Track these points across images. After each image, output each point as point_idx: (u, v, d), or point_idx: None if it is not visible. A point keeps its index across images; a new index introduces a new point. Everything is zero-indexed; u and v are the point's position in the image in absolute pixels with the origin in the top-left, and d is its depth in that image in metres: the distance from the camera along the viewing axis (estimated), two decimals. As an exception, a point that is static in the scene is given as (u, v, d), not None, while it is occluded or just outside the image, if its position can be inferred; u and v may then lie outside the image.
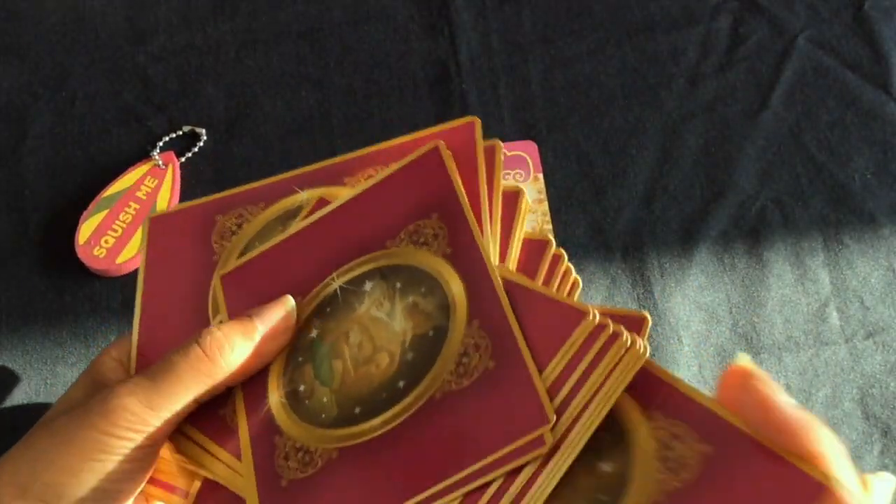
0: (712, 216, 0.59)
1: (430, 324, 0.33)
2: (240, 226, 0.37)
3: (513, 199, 0.35)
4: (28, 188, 0.60)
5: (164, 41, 0.65)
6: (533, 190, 0.60)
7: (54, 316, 0.57)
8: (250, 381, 0.35)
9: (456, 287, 0.34)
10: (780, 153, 0.61)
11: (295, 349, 0.35)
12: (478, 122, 0.36)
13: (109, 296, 0.57)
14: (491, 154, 0.36)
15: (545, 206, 0.59)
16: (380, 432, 0.32)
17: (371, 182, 0.37)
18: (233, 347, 0.34)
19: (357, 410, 0.32)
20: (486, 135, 0.62)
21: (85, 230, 0.57)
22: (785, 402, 0.28)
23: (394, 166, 0.37)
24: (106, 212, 0.58)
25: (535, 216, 0.59)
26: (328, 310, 0.35)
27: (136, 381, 0.33)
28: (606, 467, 0.29)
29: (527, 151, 0.61)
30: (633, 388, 0.30)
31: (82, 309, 0.56)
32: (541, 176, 0.60)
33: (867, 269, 0.57)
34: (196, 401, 0.34)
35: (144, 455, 0.33)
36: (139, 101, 0.63)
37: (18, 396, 0.54)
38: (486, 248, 0.34)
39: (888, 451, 0.52)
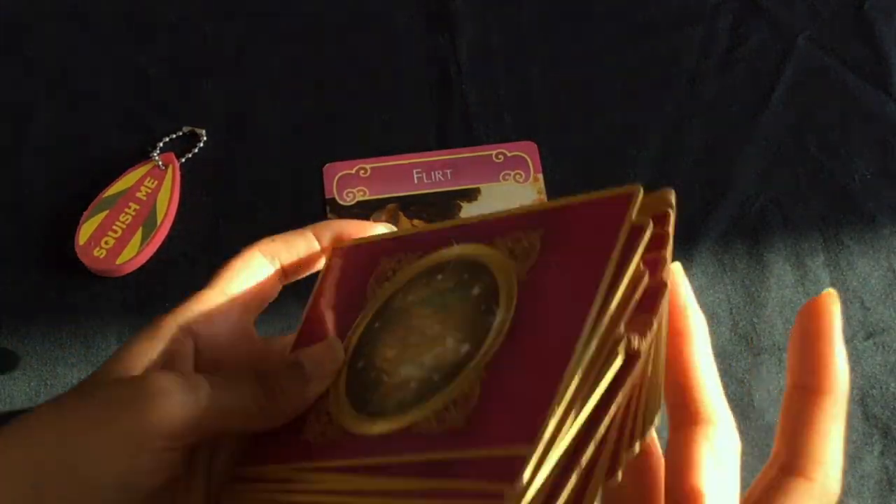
0: (712, 216, 0.59)
1: (451, 275, 0.33)
2: (394, 272, 0.36)
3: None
4: (28, 188, 0.60)
5: (164, 41, 0.65)
6: (533, 190, 0.60)
7: (54, 316, 0.57)
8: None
9: (450, 251, 0.34)
10: (780, 153, 0.61)
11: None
12: (637, 192, 0.30)
13: (109, 296, 0.57)
14: (636, 235, 0.31)
15: (545, 206, 0.59)
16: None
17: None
18: (284, 391, 0.34)
19: (466, 348, 0.31)
20: (487, 135, 0.62)
21: (85, 230, 0.57)
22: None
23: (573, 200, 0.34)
24: (106, 212, 0.58)
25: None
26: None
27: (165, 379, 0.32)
28: (476, 290, 0.32)
29: (527, 151, 0.61)
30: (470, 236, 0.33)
31: (82, 309, 0.56)
32: (541, 176, 0.60)
33: (867, 269, 0.57)
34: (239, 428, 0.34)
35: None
36: (139, 101, 0.63)
37: (18, 396, 0.54)
38: (433, 225, 0.35)
39: (888, 451, 0.52)
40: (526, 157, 0.61)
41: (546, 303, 0.29)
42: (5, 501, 0.30)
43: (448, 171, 0.60)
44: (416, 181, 0.60)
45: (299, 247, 0.39)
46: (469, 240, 0.34)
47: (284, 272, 0.39)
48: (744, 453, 0.54)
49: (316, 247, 0.39)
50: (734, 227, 0.58)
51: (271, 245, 0.38)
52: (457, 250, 0.34)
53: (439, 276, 0.34)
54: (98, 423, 0.31)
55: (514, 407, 0.28)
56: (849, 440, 0.52)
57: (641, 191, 0.29)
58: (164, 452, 0.31)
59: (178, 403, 0.32)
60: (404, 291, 0.35)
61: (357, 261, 0.39)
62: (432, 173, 0.60)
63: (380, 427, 0.31)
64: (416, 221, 0.59)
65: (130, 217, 0.58)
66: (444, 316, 0.32)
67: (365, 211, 0.59)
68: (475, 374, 0.29)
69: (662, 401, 0.28)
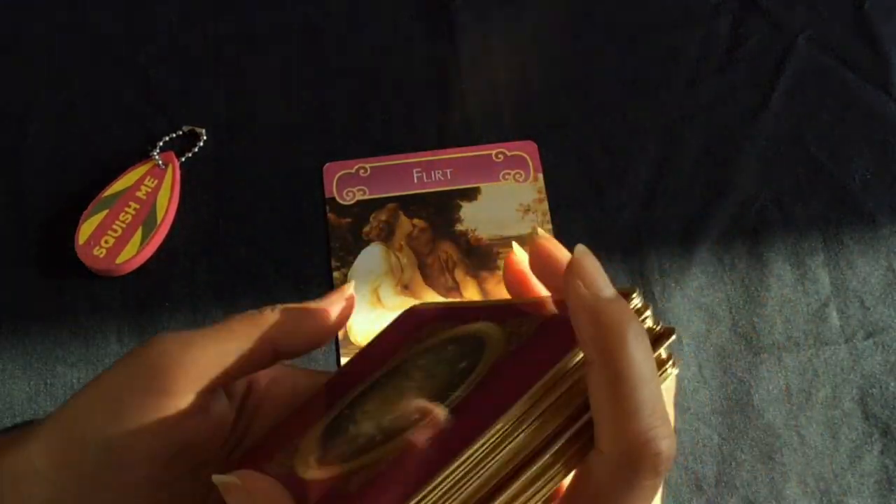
0: (712, 216, 0.59)
1: (460, 349, 0.33)
2: (427, 337, 0.36)
3: None
4: (28, 188, 0.60)
5: (164, 41, 0.65)
6: (533, 190, 0.60)
7: (54, 316, 0.57)
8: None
9: (476, 325, 0.33)
10: (780, 153, 0.61)
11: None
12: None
13: (109, 296, 0.57)
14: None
15: (545, 205, 0.59)
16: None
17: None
18: (287, 305, 0.35)
19: (416, 416, 0.30)
20: (487, 134, 0.62)
21: (85, 230, 0.57)
22: (561, 254, 0.32)
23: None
24: (106, 212, 0.58)
25: (534, 216, 0.59)
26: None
27: (160, 340, 0.33)
28: (462, 365, 0.31)
29: (527, 151, 0.61)
30: (485, 317, 0.33)
31: (82, 309, 0.56)
32: (541, 176, 0.60)
33: (867, 269, 0.57)
34: (242, 362, 0.33)
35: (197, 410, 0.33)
36: (139, 101, 0.63)
37: (18, 396, 0.54)
38: (490, 301, 0.34)
39: (888, 451, 0.52)
40: (526, 156, 0.61)
41: (486, 394, 0.29)
42: None
43: (448, 171, 0.60)
44: (416, 181, 0.60)
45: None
46: (493, 318, 0.33)
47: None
48: (743, 453, 0.54)
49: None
50: (734, 227, 0.58)
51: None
52: (475, 326, 0.34)
53: (450, 347, 0.33)
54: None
55: (385, 489, 0.27)
56: (849, 440, 0.53)
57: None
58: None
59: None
60: (418, 355, 0.35)
61: (414, 320, 0.38)
62: (432, 173, 0.60)
63: (313, 473, 0.31)
64: (416, 221, 0.59)
65: (130, 216, 0.58)
66: (426, 384, 0.32)
67: (365, 210, 0.59)
68: (398, 445, 0.29)
69: None
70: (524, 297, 0.34)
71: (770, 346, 0.55)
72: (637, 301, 0.28)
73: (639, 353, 0.26)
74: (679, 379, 0.54)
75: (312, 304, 0.35)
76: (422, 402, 0.30)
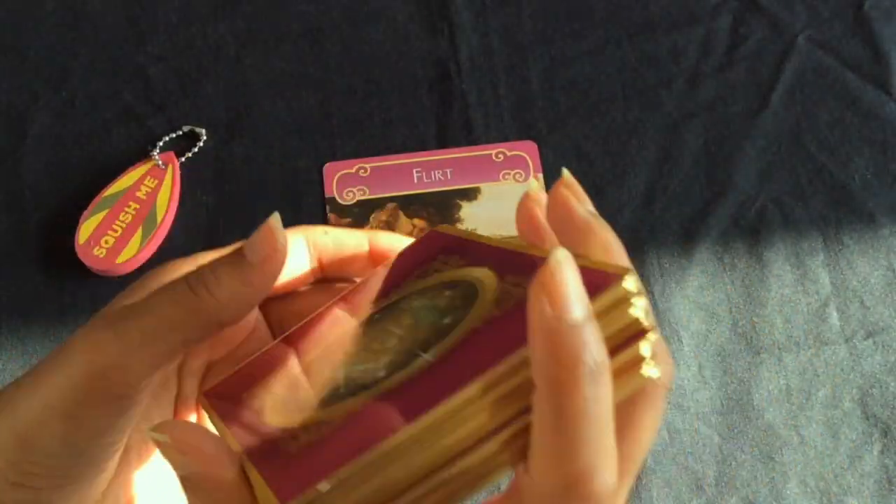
0: (712, 216, 0.59)
1: (453, 296, 0.30)
2: (436, 272, 0.33)
3: None
4: (28, 188, 0.60)
5: (164, 41, 0.65)
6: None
7: (54, 316, 0.57)
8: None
9: (478, 271, 0.30)
10: (780, 153, 0.61)
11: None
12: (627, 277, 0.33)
13: (109, 296, 0.57)
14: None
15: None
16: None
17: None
18: (219, 278, 0.31)
19: (382, 373, 0.28)
20: (487, 135, 0.62)
21: (85, 230, 0.57)
22: (582, 210, 0.28)
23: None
24: (106, 212, 0.58)
25: (535, 216, 0.59)
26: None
27: (98, 332, 0.30)
28: (447, 320, 0.28)
29: (527, 151, 0.61)
30: (490, 263, 0.30)
31: (82, 309, 0.56)
32: (541, 176, 0.60)
33: (867, 269, 0.57)
34: (185, 343, 0.31)
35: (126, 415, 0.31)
36: (139, 101, 0.63)
37: (18, 396, 0.54)
38: (504, 242, 0.31)
39: (888, 450, 0.52)
40: (526, 156, 0.61)
41: (451, 365, 0.26)
42: None
43: (448, 171, 0.60)
44: (415, 180, 0.60)
45: (348, 246, 0.36)
46: (499, 267, 0.30)
47: (322, 268, 0.36)
48: (743, 453, 0.54)
49: (364, 249, 0.36)
50: (734, 227, 0.58)
51: (322, 238, 0.36)
52: (476, 273, 0.30)
53: (446, 293, 0.30)
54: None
55: (320, 454, 0.25)
56: (849, 440, 0.53)
57: (632, 282, 0.25)
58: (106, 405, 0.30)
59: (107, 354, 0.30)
60: (417, 294, 0.32)
61: (434, 244, 0.35)
62: (432, 173, 0.60)
63: (276, 419, 0.29)
64: (415, 221, 0.59)
65: (130, 216, 0.58)
66: (408, 334, 0.29)
67: (365, 210, 0.59)
68: (352, 406, 0.27)
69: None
70: (535, 247, 0.30)
71: (770, 346, 0.55)
72: (629, 284, 0.25)
73: (590, 391, 0.23)
74: (679, 379, 0.54)
75: (248, 269, 0.31)
76: (387, 360, 0.28)
